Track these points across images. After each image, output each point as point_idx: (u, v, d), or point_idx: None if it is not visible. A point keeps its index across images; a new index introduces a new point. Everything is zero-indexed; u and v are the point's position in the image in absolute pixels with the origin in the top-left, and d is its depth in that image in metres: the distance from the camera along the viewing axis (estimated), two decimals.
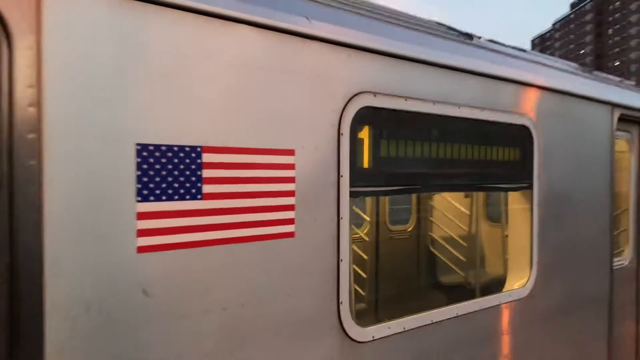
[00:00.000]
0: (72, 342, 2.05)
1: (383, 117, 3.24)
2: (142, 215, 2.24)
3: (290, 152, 2.75)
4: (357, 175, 3.09)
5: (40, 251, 1.98)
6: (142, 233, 2.24)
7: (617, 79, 7.26)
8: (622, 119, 5.61)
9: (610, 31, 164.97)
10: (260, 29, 2.61)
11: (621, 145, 6.18)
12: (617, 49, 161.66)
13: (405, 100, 3.31)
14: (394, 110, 3.28)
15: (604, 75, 6.93)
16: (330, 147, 2.93)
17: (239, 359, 2.55)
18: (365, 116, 3.12)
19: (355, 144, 3.08)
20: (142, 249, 2.23)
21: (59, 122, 2.03)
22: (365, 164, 3.18)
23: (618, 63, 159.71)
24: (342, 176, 2.97)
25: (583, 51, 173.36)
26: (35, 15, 1.98)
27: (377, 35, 3.16)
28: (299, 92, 2.77)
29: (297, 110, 2.76)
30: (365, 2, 3.65)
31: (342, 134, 2.97)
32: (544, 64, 4.78)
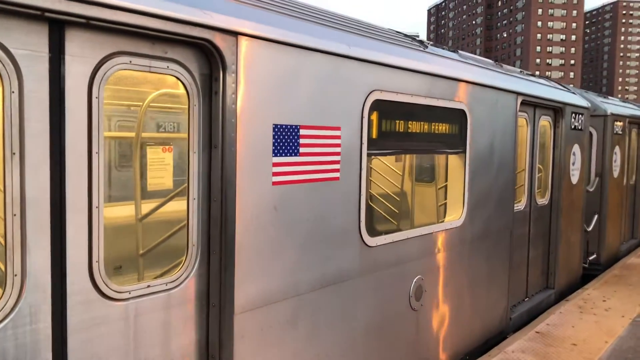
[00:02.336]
0: (245, 232, 3.73)
1: (384, 105, 5.04)
2: (275, 164, 3.91)
3: (338, 128, 4.48)
4: (370, 143, 4.88)
5: (234, 183, 3.62)
6: (275, 174, 3.92)
7: (518, 70, 9.47)
8: (523, 102, 7.75)
9: (499, 3, 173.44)
10: (324, 54, 4.29)
11: (521, 122, 8.37)
12: (505, 21, 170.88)
13: (397, 94, 5.12)
14: (390, 101, 5.08)
15: (511, 68, 9.11)
16: (357, 125, 4.69)
17: (317, 250, 4.30)
18: (376, 105, 4.90)
19: (370, 123, 4.86)
20: (274, 183, 3.92)
21: (242, 113, 3.65)
22: (375, 136, 4.97)
23: (506, 35, 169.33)
24: (363, 144, 4.75)
25: (474, 22, 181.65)
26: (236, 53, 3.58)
27: (383, 53, 4.93)
28: (341, 91, 4.49)
29: (341, 103, 4.49)
30: (364, 23, 5.39)
31: (363, 117, 4.73)
32: (472, 64, 6.75)
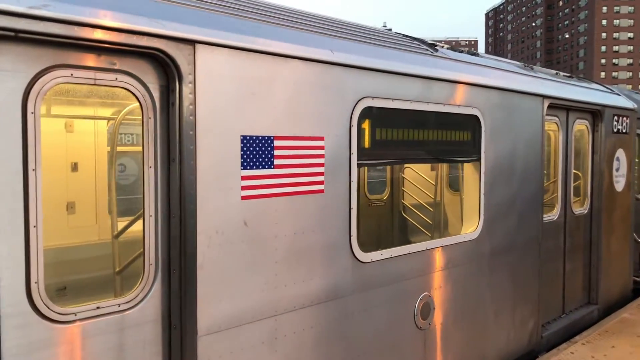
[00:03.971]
0: (208, 250, 3.54)
1: (377, 113, 4.76)
2: (244, 178, 3.71)
3: (321, 138, 4.24)
4: (362, 153, 4.61)
5: (195, 198, 3.44)
6: (244, 188, 3.71)
7: (553, 71, 8.96)
8: (551, 106, 7.27)
9: (560, 3, 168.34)
10: (303, 61, 4.07)
11: (551, 127, 7.87)
12: (567, 22, 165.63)
13: (392, 101, 4.83)
14: (385, 108, 4.79)
15: (546, 70, 8.62)
16: (345, 134, 4.43)
17: (294, 267, 4.07)
18: (367, 113, 4.63)
19: (360, 131, 4.60)
20: (244, 198, 3.72)
21: (203, 125, 3.47)
22: (367, 145, 4.70)
23: (568, 36, 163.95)
24: (352, 153, 4.48)
25: (534, 24, 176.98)
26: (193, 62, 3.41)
27: (373, 58, 4.66)
28: (325, 99, 4.25)
29: (325, 111, 4.25)
30: (360, 26, 5.14)
31: (352, 126, 4.47)
32: (490, 67, 6.36)
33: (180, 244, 3.44)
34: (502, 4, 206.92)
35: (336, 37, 4.53)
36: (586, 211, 8.51)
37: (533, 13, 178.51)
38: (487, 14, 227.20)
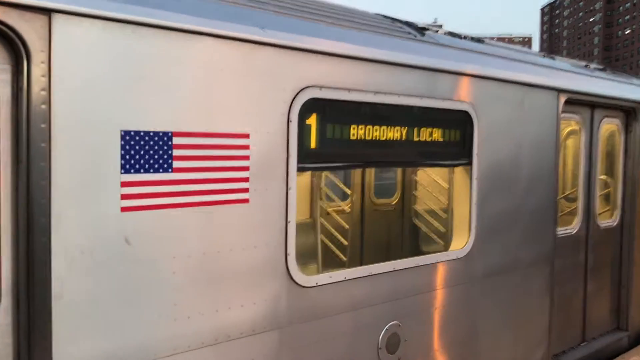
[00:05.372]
0: (70, 275, 2.80)
1: (329, 106, 3.92)
2: (125, 184, 2.96)
3: (246, 136, 3.44)
4: (306, 154, 3.79)
5: (48, 209, 2.71)
6: (125, 197, 2.96)
7: (581, 63, 7.86)
8: (570, 102, 6.24)
9: None
10: (220, 39, 3.28)
11: (571, 126, 6.83)
12: (627, 17, 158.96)
13: (349, 92, 3.99)
14: (338, 101, 3.95)
15: (566, 60, 7.54)
16: (281, 131, 3.62)
17: (204, 295, 3.30)
18: (313, 106, 3.81)
19: (304, 128, 3.78)
20: (125, 209, 2.96)
21: (63, 116, 2.74)
22: (313, 145, 3.87)
23: (629, 31, 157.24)
24: (290, 155, 3.67)
25: (592, 19, 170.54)
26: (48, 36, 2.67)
27: (322, 39, 3.82)
28: (251, 88, 3.45)
29: (251, 102, 3.45)
30: (315, 2, 4.30)
31: (291, 121, 3.66)
32: (490, 54, 5.41)
33: (28, 268, 2.72)
34: None
35: (272, 12, 3.72)
36: (615, 223, 7.41)
37: (591, 8, 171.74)
38: (542, 9, 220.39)
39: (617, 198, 7.48)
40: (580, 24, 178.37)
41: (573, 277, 6.74)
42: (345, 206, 7.58)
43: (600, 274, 7.22)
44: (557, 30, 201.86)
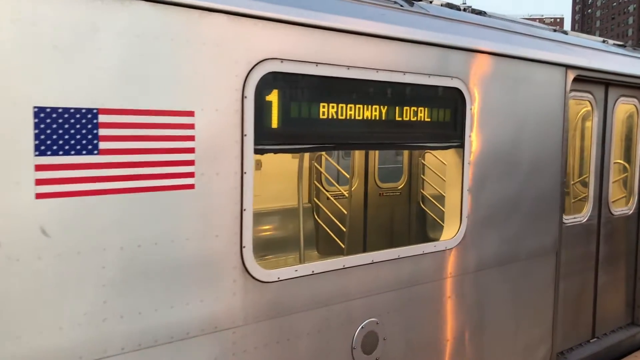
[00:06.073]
0: None
1: (292, 81, 3.52)
2: (40, 167, 2.61)
3: (190, 114, 3.07)
4: (265, 135, 3.40)
5: None
6: (41, 182, 2.62)
7: (598, 38, 7.28)
8: (580, 79, 5.72)
9: None
10: (155, 3, 2.90)
11: (581, 105, 6.31)
12: None
13: (316, 65, 3.57)
14: (304, 75, 3.55)
15: (580, 35, 6.97)
16: (234, 109, 3.23)
17: (142, 291, 2.96)
18: (273, 80, 3.41)
19: (263, 106, 3.38)
20: (40, 196, 2.62)
21: None
22: (275, 124, 3.48)
23: None
24: (245, 135, 3.28)
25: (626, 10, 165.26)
26: None
27: (285, 6, 3.41)
28: (197, 60, 3.06)
29: (196, 77, 3.06)
30: None
31: (246, 97, 3.27)
32: (489, 26, 4.92)
33: None
34: None
35: None
36: (631, 211, 6.88)
37: None
38: None
39: (635, 184, 6.94)
40: (614, 3, 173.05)
41: (583, 269, 6.26)
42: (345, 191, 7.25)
43: (614, 265, 6.72)
44: (589, 10, 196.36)
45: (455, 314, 4.66)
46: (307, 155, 7.73)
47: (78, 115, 2.71)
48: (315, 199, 7.88)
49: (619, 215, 6.69)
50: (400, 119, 4.11)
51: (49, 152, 2.65)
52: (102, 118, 2.78)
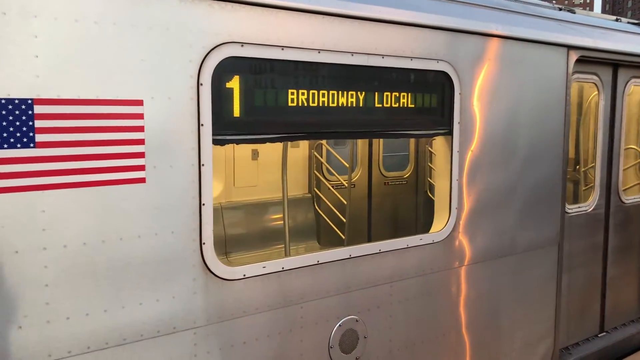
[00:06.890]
0: None
1: (254, 67, 3.31)
2: None
3: (138, 102, 2.88)
4: (224, 124, 3.20)
5: None
6: None
7: (611, 17, 6.90)
8: (584, 60, 5.40)
9: None
10: None
11: (586, 88, 5.97)
12: None
13: (282, 49, 3.35)
14: (269, 60, 3.33)
15: (590, 14, 6.61)
16: (188, 97, 3.04)
17: (88, 292, 2.80)
18: (233, 66, 3.20)
19: (221, 93, 3.18)
20: None
21: None
22: (237, 113, 3.28)
23: None
24: (202, 125, 3.09)
25: None
26: None
27: None
28: (144, 46, 2.87)
29: (143, 63, 2.88)
30: None
31: (202, 84, 3.07)
32: (484, 6, 4.63)
33: None
34: None
35: None
36: None
37: None
38: None
39: None
40: None
41: (589, 261, 5.96)
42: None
43: (624, 256, 6.39)
44: None
45: (446, 311, 4.44)
46: (305, 143, 7.53)
47: (10, 107, 2.55)
48: (315, 189, 7.69)
49: (632, 204, 6.34)
50: (380, 105, 3.88)
51: None
52: (38, 109, 2.61)
